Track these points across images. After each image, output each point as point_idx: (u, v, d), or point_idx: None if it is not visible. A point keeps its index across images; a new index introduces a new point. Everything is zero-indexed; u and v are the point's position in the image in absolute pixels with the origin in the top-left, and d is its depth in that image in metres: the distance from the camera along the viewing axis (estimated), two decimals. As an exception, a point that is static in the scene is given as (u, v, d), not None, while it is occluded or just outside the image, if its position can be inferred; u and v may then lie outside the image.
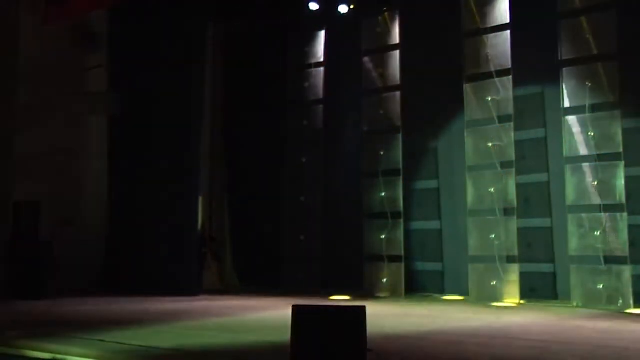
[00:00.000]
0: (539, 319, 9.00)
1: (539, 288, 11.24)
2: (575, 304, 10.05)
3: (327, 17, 13.20)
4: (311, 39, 13.38)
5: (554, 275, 11.31)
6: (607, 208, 9.94)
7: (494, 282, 10.71)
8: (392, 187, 12.03)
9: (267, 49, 14.04)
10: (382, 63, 12.42)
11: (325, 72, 13.17)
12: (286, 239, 13.07)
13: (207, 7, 12.93)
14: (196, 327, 7.78)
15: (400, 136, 12.05)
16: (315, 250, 12.76)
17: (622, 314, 9.34)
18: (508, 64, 10.96)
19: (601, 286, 9.82)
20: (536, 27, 11.33)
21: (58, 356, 5.93)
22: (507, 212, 10.83)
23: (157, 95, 12.62)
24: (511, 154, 10.90)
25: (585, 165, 10.19)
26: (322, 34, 13.22)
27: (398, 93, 12.13)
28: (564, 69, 10.54)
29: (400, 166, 12.01)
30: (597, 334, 7.56)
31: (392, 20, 12.37)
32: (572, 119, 10.39)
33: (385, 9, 12.43)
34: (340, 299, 11.22)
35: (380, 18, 12.53)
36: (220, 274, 12.92)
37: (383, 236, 11.95)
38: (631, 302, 9.63)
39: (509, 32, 11.03)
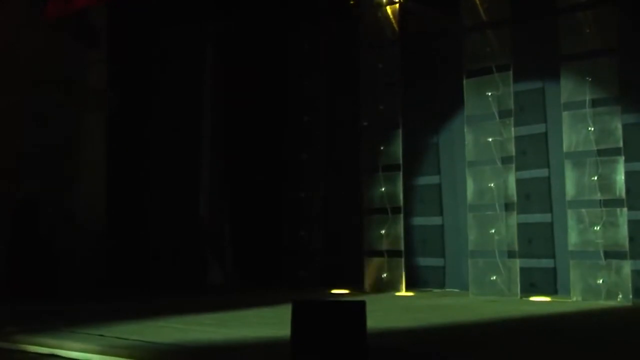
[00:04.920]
0: (538, 311, 9.01)
1: (538, 283, 11.26)
2: (574, 298, 10.05)
3: (327, 13, 13.18)
4: (311, 36, 13.35)
5: (554, 270, 11.32)
6: (607, 203, 9.94)
7: (494, 277, 10.73)
8: (392, 183, 12.04)
9: (267, 47, 14.02)
10: (381, 58, 12.41)
11: (325, 68, 13.14)
12: (287, 235, 13.07)
13: (206, 5, 12.91)
14: (196, 322, 7.78)
15: (400, 131, 12.05)
16: (316, 246, 12.77)
17: None
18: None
19: (601, 281, 9.83)
20: (536, 22, 11.32)
21: (58, 351, 5.94)
22: (507, 207, 10.84)
23: (157, 92, 12.61)
24: (511, 149, 10.91)
25: (585, 161, 10.17)
26: (322, 30, 13.18)
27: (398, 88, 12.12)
28: (564, 63, 10.53)
29: (401, 161, 12.01)
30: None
31: (393, 14, 12.35)
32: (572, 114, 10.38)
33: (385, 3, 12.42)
34: (341, 294, 11.23)
35: (380, 13, 12.51)
36: (220, 270, 12.94)
37: (383, 231, 11.96)
38: (630, 297, 9.65)
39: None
